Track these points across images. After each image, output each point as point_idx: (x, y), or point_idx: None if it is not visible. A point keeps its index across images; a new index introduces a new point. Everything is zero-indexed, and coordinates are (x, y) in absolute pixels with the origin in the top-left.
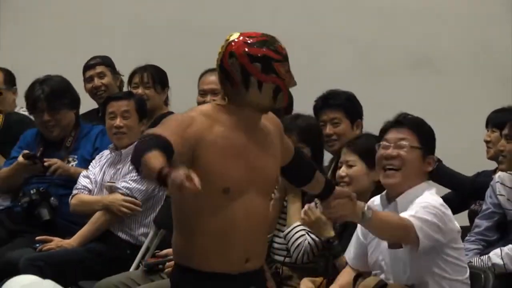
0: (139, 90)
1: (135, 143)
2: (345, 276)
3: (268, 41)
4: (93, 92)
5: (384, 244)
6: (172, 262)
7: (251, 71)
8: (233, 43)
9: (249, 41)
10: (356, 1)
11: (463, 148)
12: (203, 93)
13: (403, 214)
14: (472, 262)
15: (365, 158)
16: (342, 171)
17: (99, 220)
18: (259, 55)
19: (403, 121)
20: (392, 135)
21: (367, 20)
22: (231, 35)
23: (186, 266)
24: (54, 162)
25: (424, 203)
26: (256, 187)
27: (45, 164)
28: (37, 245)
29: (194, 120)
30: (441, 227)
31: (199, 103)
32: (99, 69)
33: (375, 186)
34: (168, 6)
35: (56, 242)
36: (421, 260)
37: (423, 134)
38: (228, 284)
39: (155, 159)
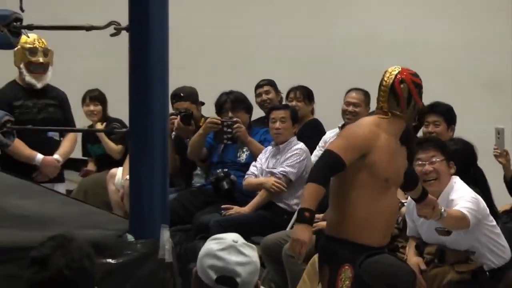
0: (293, 103)
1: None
2: (412, 245)
3: (417, 75)
4: (261, 104)
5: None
6: (317, 223)
7: (414, 94)
8: (400, 74)
9: (411, 73)
10: (446, 39)
11: None
12: (347, 104)
13: (457, 207)
14: None
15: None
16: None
17: (263, 194)
18: (419, 83)
19: (428, 143)
20: (423, 155)
21: (453, 53)
22: (394, 69)
23: (343, 238)
24: (241, 130)
25: (465, 196)
26: (396, 182)
27: (233, 120)
28: (222, 211)
29: (366, 131)
30: (478, 209)
31: (343, 110)
32: (266, 88)
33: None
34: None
35: (236, 209)
36: (469, 234)
37: (444, 148)
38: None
39: (308, 194)
